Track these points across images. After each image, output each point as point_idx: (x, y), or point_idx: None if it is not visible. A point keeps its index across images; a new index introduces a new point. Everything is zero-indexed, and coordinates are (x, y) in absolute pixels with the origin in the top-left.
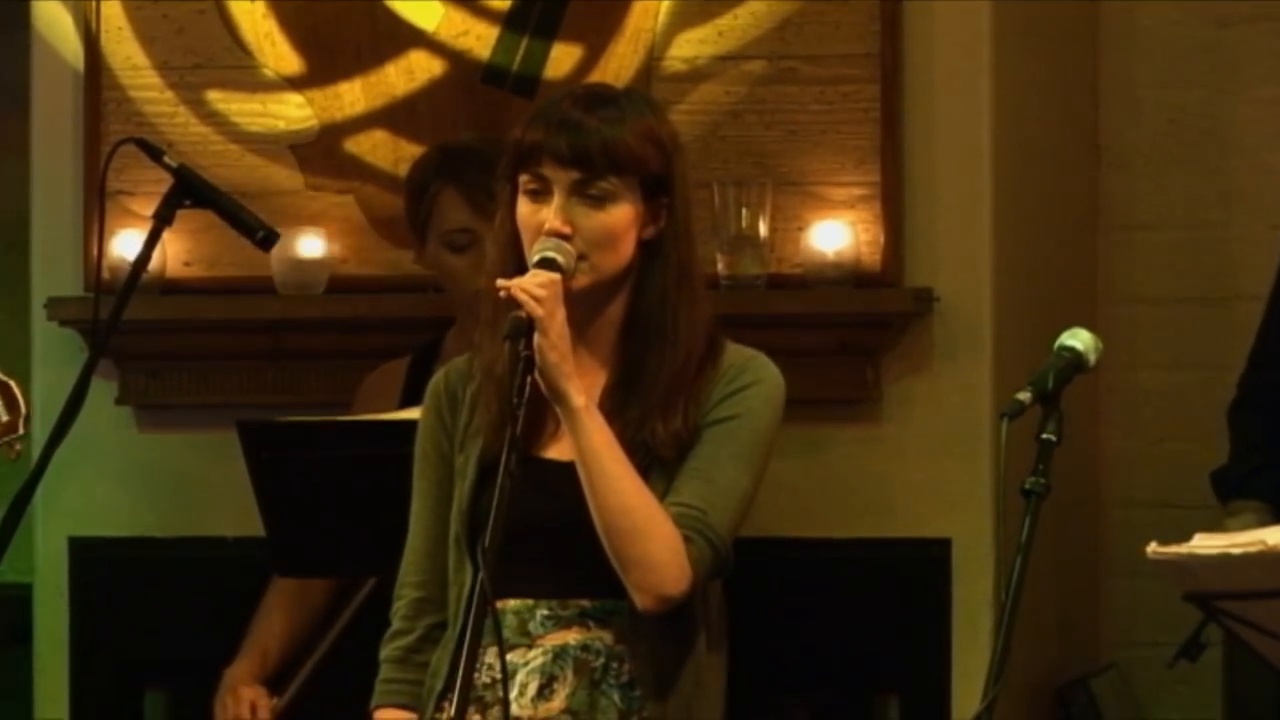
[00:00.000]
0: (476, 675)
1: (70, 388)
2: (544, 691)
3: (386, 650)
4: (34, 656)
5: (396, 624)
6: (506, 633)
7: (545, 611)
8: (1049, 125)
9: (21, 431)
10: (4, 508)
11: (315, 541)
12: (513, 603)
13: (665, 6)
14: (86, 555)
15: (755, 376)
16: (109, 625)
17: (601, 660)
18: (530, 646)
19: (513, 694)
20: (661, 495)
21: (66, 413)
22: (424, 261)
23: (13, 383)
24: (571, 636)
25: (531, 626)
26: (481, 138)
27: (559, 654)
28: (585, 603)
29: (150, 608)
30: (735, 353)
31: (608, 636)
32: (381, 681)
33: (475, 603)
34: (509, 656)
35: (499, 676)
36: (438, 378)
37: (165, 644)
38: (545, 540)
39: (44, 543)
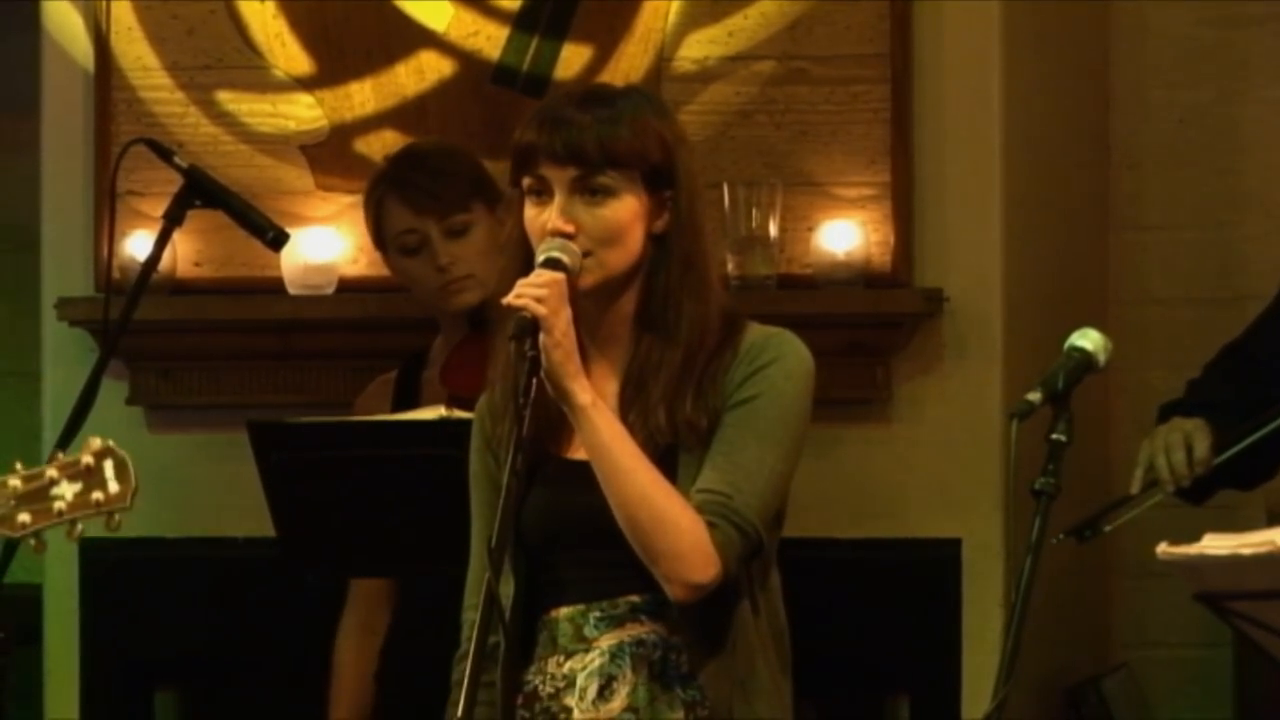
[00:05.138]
0: (540, 685)
1: (80, 388)
2: (604, 693)
3: (455, 673)
4: (44, 657)
5: (464, 646)
6: (564, 640)
7: (598, 614)
8: (1059, 125)
9: (128, 504)
10: None
11: (326, 542)
12: (565, 610)
13: (675, 7)
14: (96, 555)
15: (776, 353)
16: (119, 625)
17: (659, 653)
18: (587, 650)
19: (573, 699)
20: (691, 486)
21: (76, 413)
22: (392, 271)
23: (128, 457)
24: (626, 634)
25: (586, 631)
26: (433, 142)
27: (615, 653)
28: (634, 598)
29: (160, 608)
30: (756, 332)
31: (662, 629)
32: (452, 704)
33: (483, 601)
34: (569, 664)
35: (562, 685)
36: (481, 400)
37: (175, 644)
38: (582, 543)
39: (53, 543)
